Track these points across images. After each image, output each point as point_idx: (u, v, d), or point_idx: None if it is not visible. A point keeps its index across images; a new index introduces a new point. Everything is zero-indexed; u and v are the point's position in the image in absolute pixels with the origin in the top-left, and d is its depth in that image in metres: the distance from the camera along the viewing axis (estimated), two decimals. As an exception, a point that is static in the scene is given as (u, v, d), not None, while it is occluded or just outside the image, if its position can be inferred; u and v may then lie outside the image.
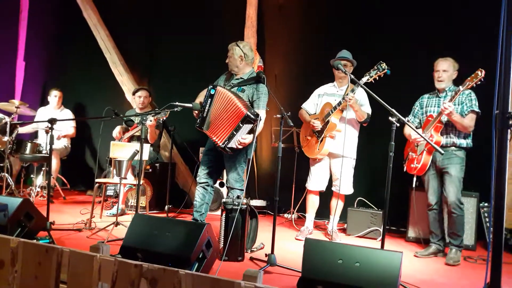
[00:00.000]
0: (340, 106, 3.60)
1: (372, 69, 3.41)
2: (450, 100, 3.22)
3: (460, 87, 3.18)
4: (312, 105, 3.99)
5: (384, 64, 3.37)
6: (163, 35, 5.74)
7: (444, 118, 3.29)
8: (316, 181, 3.90)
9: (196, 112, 3.37)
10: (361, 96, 3.76)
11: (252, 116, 3.10)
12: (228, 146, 3.18)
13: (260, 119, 3.18)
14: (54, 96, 5.42)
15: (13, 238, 1.96)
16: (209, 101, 3.29)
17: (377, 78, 3.40)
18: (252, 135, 3.17)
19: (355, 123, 3.83)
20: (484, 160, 3.80)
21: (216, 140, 3.22)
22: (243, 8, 5.13)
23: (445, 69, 3.39)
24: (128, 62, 5.85)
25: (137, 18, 5.91)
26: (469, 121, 3.28)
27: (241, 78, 3.43)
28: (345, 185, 3.83)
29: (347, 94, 3.53)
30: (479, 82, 3.08)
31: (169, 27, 5.67)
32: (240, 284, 1.54)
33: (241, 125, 3.12)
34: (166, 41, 5.72)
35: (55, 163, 5.01)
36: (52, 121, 3.25)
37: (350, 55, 3.83)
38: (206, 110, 3.29)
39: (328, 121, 3.69)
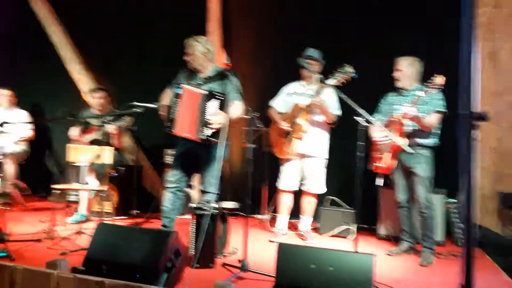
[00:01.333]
0: (307, 108, 3.55)
1: (336, 71, 3.32)
2: (412, 105, 3.12)
3: (419, 92, 3.10)
4: (281, 103, 3.91)
5: (349, 67, 3.26)
6: (122, 31, 5.45)
7: (408, 124, 3.22)
8: (287, 180, 3.85)
9: (163, 114, 3.22)
10: (329, 97, 3.69)
11: (213, 92, 3.01)
12: (204, 134, 3.01)
13: (238, 104, 3.10)
14: (1, 94, 5.08)
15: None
16: (176, 101, 3.15)
17: (345, 82, 3.30)
18: (223, 113, 3.01)
19: (325, 123, 3.81)
20: (450, 157, 3.88)
21: (190, 135, 3.06)
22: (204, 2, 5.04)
23: (399, 68, 3.36)
24: (85, 59, 5.54)
25: (94, 13, 5.56)
26: (431, 120, 3.21)
27: (208, 76, 3.31)
28: (317, 184, 3.80)
29: (313, 96, 3.48)
30: (438, 88, 3.03)
31: (129, 22, 5.41)
32: (210, 299, 1.46)
33: (204, 104, 3.00)
34: (125, 37, 5.45)
35: (12, 169, 4.72)
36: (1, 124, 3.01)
37: (318, 53, 3.78)
38: (174, 112, 3.13)
39: (295, 122, 3.65)
